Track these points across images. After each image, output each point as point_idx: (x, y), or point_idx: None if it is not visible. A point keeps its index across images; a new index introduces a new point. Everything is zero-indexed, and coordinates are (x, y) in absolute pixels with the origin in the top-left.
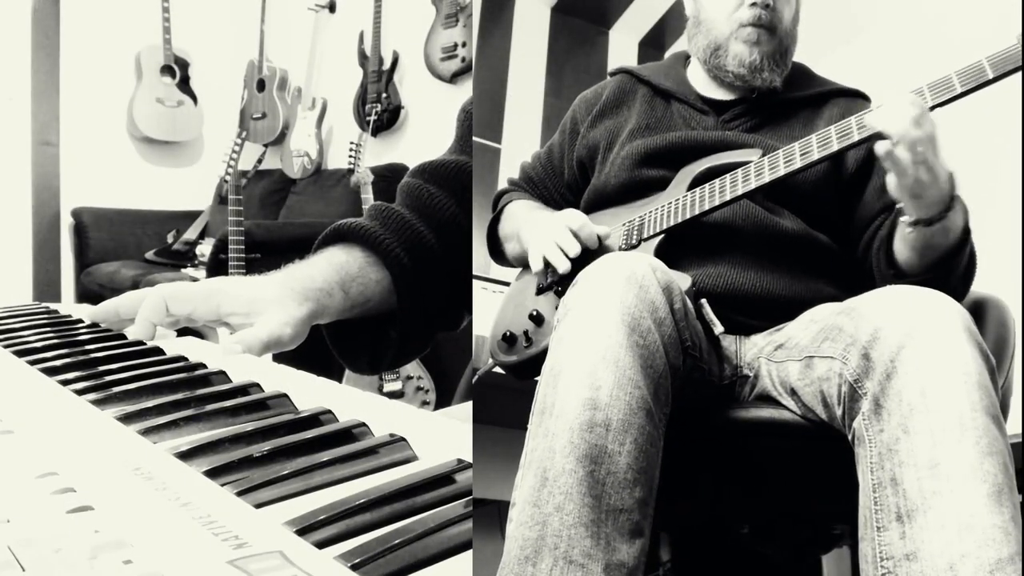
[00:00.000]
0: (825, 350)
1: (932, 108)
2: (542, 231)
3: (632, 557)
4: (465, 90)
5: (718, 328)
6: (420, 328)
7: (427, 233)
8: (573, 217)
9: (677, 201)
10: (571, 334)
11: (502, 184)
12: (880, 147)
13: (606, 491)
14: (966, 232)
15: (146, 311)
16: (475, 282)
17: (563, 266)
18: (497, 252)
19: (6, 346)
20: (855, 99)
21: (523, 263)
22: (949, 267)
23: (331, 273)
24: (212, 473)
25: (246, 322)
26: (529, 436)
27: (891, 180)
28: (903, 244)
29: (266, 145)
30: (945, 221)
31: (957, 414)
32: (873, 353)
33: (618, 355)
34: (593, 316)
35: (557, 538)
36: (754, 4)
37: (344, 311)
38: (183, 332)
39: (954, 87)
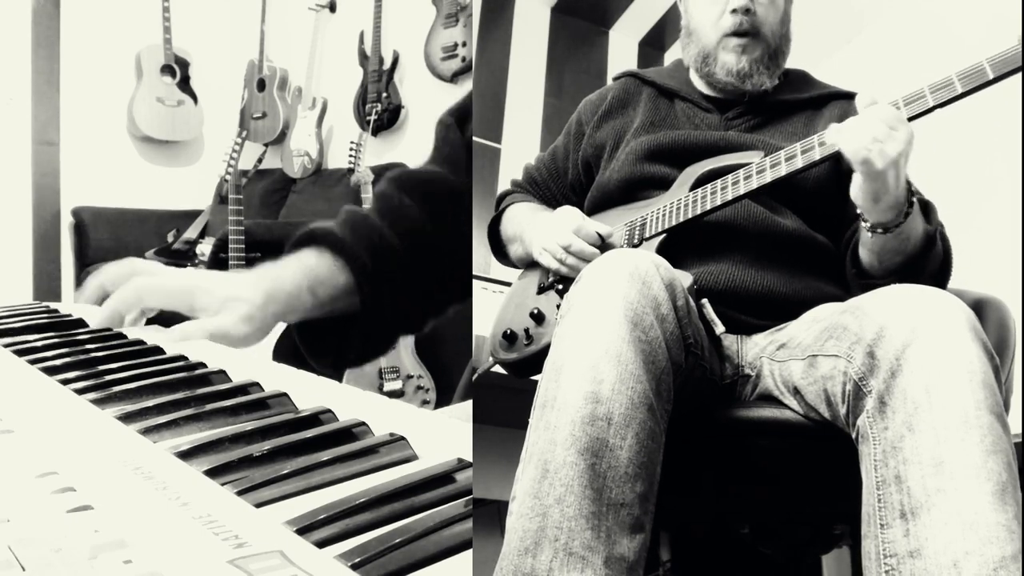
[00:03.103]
0: (829, 348)
1: (934, 108)
2: (543, 230)
3: (632, 551)
4: (466, 90)
5: (719, 328)
6: (380, 330)
7: (393, 240)
8: (572, 218)
9: (679, 201)
10: (574, 329)
11: (502, 184)
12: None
13: (607, 484)
14: (929, 239)
15: (117, 303)
16: (475, 282)
17: (555, 266)
18: (500, 252)
19: (6, 345)
20: (854, 102)
21: (527, 264)
22: (911, 271)
23: (301, 276)
24: (212, 472)
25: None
26: (530, 430)
27: (855, 180)
28: (863, 247)
29: (266, 144)
30: (902, 228)
31: (962, 412)
32: (878, 351)
33: (620, 350)
34: (596, 311)
35: (558, 530)
36: (735, 11)
37: (312, 311)
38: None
39: (955, 87)
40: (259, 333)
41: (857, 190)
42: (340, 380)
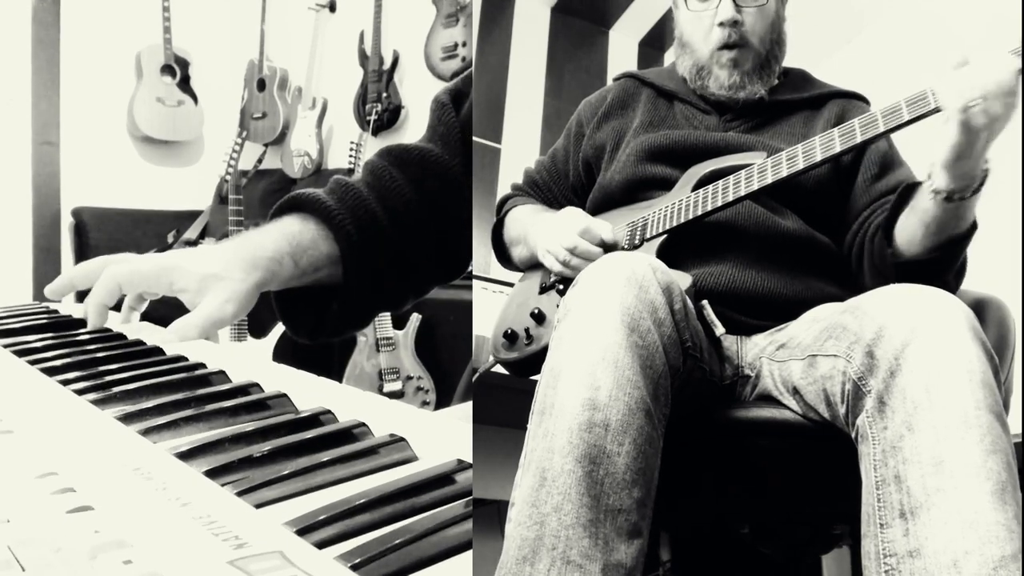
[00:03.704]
0: (829, 348)
1: (936, 111)
2: (547, 230)
3: (630, 557)
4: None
5: (719, 330)
6: (361, 304)
7: (381, 214)
8: (576, 220)
9: (681, 202)
10: (571, 334)
11: (502, 184)
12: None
13: (604, 491)
14: (974, 226)
15: (98, 296)
16: (475, 282)
17: (558, 268)
18: (504, 257)
19: (6, 346)
20: (853, 100)
21: (530, 266)
22: (952, 255)
23: (283, 243)
24: (212, 473)
25: (196, 299)
26: (528, 436)
27: (948, 134)
28: (915, 219)
29: (266, 145)
30: (968, 202)
31: (961, 412)
32: (877, 351)
33: (617, 355)
34: (593, 316)
35: (555, 538)
36: (722, 24)
37: (293, 279)
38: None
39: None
40: (246, 307)
41: (945, 145)
42: (315, 352)
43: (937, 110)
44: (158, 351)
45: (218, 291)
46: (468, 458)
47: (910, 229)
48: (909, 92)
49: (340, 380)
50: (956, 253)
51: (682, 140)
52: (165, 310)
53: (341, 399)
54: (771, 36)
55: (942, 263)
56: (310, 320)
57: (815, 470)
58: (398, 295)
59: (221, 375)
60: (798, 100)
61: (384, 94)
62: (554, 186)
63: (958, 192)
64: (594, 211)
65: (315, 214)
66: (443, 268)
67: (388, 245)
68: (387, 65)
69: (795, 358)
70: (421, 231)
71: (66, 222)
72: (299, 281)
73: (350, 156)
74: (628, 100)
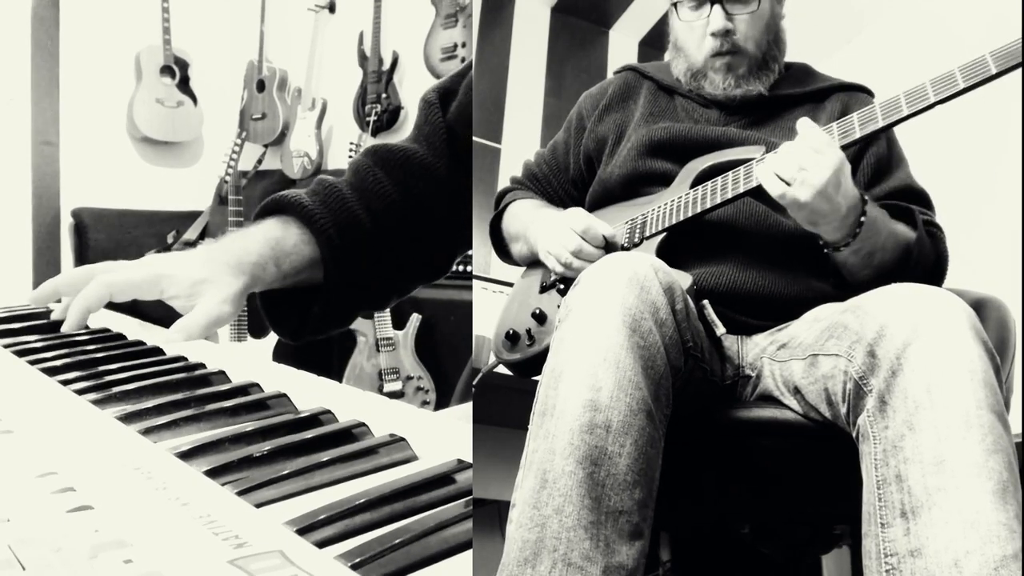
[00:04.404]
0: (830, 348)
1: (934, 105)
2: (548, 230)
3: (631, 559)
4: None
5: (720, 330)
6: (342, 304)
7: (363, 215)
8: (577, 218)
9: (680, 199)
10: (572, 335)
11: (502, 184)
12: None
13: (606, 493)
14: (905, 249)
15: (86, 300)
16: (475, 282)
17: (560, 269)
18: (502, 251)
19: (6, 346)
20: (856, 93)
21: (530, 262)
22: (890, 280)
23: (266, 249)
24: (212, 473)
25: (188, 304)
26: (530, 437)
27: (790, 210)
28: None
29: (266, 145)
30: (854, 246)
31: (963, 411)
32: (879, 350)
33: (619, 356)
34: (594, 317)
35: (556, 540)
36: (714, 35)
37: (276, 282)
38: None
39: (957, 83)
40: (239, 308)
41: (793, 215)
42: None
43: (937, 103)
44: (158, 351)
45: (212, 294)
46: (468, 458)
47: (849, 263)
48: (908, 86)
49: (340, 380)
50: (895, 278)
51: (683, 134)
52: (164, 310)
53: (341, 399)
54: (767, 38)
55: (902, 277)
56: (293, 320)
57: (816, 470)
58: (380, 295)
59: (221, 375)
60: (800, 94)
61: (384, 95)
62: (554, 179)
63: (840, 242)
64: (593, 206)
65: (297, 217)
66: (427, 267)
67: (370, 246)
68: (386, 66)
69: (796, 358)
70: (404, 232)
71: (66, 222)
72: (282, 283)
73: (350, 157)
74: (629, 93)
